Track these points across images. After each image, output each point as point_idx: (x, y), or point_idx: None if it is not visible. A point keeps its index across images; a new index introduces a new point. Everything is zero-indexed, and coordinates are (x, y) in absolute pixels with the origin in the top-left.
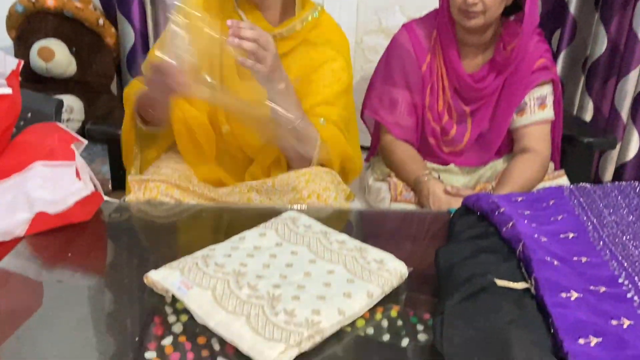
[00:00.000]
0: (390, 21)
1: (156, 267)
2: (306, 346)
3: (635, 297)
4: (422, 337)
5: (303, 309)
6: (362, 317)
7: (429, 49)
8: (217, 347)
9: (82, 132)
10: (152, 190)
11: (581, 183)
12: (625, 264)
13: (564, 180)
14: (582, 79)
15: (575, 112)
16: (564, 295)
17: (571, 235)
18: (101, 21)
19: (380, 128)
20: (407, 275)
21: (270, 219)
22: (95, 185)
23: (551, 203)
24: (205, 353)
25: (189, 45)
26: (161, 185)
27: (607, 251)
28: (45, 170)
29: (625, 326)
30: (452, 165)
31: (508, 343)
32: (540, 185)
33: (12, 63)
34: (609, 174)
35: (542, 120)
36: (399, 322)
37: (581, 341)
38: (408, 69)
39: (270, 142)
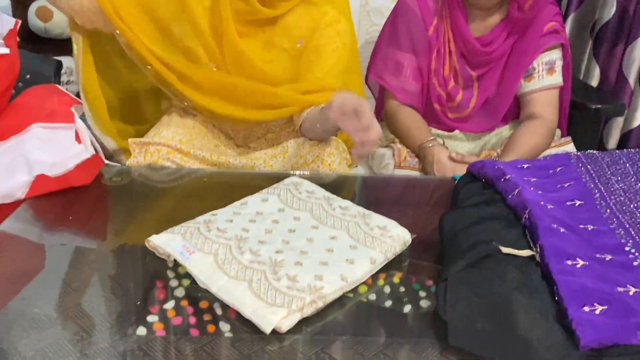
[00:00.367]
0: None
1: (157, 231)
2: (308, 311)
3: None
4: (424, 303)
5: (305, 274)
6: (364, 283)
7: (436, 12)
8: (219, 311)
9: None
10: (152, 154)
11: (588, 150)
12: (633, 232)
13: (570, 148)
14: (590, 44)
15: (581, 77)
16: (569, 262)
17: (578, 202)
18: None
19: (384, 93)
20: (410, 241)
21: (273, 184)
22: (95, 149)
23: (558, 170)
24: (207, 317)
25: None
26: (162, 149)
27: (614, 219)
28: (44, 132)
29: (631, 293)
30: (457, 132)
31: (512, 310)
32: (547, 153)
33: (10, 22)
34: (613, 142)
35: (550, 86)
36: (401, 289)
37: (586, 309)
38: (414, 32)
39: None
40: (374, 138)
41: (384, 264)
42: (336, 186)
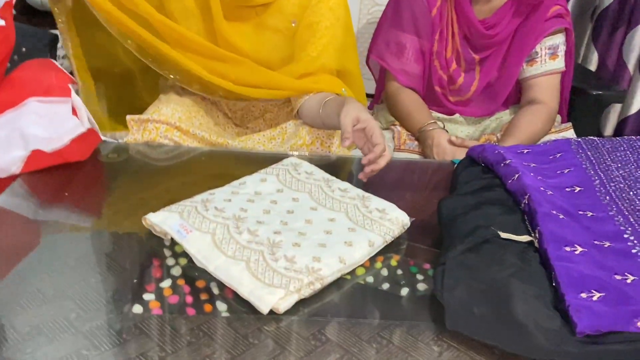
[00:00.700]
0: None
1: (154, 209)
2: (306, 293)
3: None
4: (421, 286)
5: (303, 256)
6: (362, 265)
7: None
8: (216, 291)
9: None
10: (151, 132)
11: (588, 136)
12: (632, 220)
13: (570, 134)
14: (589, 29)
15: (579, 62)
16: (568, 249)
17: (577, 189)
18: None
19: (385, 74)
20: (408, 225)
21: (272, 164)
22: (92, 125)
23: (558, 156)
24: (204, 296)
25: None
26: (161, 126)
27: (614, 206)
28: (40, 106)
29: (629, 281)
30: (457, 115)
31: (509, 295)
32: (547, 138)
33: None
34: (610, 128)
35: (552, 71)
36: (399, 272)
37: (583, 295)
38: (417, 13)
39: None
40: (382, 165)
41: (382, 246)
42: (335, 168)
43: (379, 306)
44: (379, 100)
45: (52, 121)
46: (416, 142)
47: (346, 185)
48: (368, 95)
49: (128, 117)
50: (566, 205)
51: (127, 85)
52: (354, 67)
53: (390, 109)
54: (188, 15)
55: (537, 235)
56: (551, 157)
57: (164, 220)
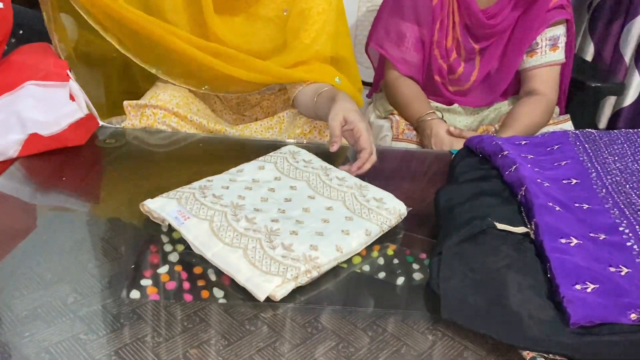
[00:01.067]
0: None
1: (152, 195)
2: (302, 281)
3: (635, 246)
4: (417, 276)
5: (301, 244)
6: (358, 254)
7: None
8: (213, 277)
9: None
10: (149, 117)
11: (585, 128)
12: (627, 213)
13: (568, 126)
14: (586, 20)
15: (575, 53)
16: (563, 241)
17: (574, 181)
18: None
19: (384, 63)
20: (405, 214)
21: (270, 152)
22: (90, 110)
23: (555, 148)
24: (201, 283)
25: None
26: (159, 112)
27: (610, 199)
28: (37, 90)
29: (623, 273)
30: (455, 106)
31: (504, 286)
32: (545, 130)
33: None
34: (604, 119)
35: (552, 62)
36: (395, 261)
37: (578, 287)
38: (418, 2)
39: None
40: (367, 168)
41: (378, 235)
42: (333, 156)
43: (374, 295)
44: (377, 89)
45: (49, 105)
46: (414, 132)
47: (344, 173)
48: (366, 84)
49: (125, 102)
50: (562, 198)
51: (123, 71)
52: (348, 53)
53: (389, 98)
54: (177, 10)
55: (533, 226)
56: (549, 149)
57: (161, 207)
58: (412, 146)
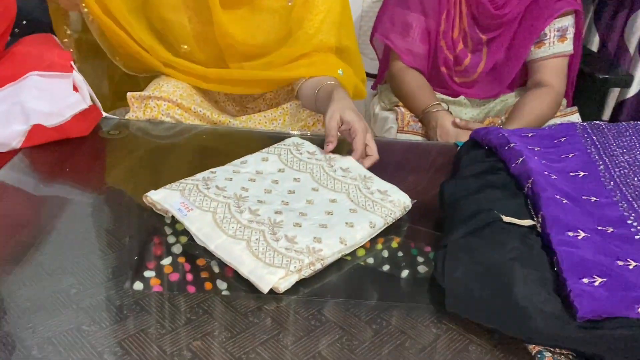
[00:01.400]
0: None
1: (155, 187)
2: (306, 273)
3: None
4: (421, 269)
5: (304, 236)
6: (362, 246)
7: None
8: (216, 269)
9: None
10: (152, 109)
11: (591, 120)
12: (635, 205)
13: (575, 118)
14: (591, 11)
15: None
16: (570, 234)
17: (582, 174)
18: None
19: (390, 54)
20: (410, 207)
21: (274, 143)
22: (94, 101)
23: (563, 140)
24: (204, 275)
25: None
26: (162, 103)
27: (618, 192)
28: (41, 80)
29: (631, 267)
30: (461, 98)
31: (510, 279)
32: (552, 122)
33: None
34: (608, 111)
35: (561, 54)
36: (400, 253)
37: (585, 280)
38: None
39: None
40: (367, 165)
41: (383, 228)
42: (337, 149)
43: (378, 287)
44: (382, 80)
45: (53, 96)
46: (419, 124)
47: (349, 163)
48: (371, 76)
49: (129, 94)
50: (570, 190)
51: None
52: (352, 43)
53: (394, 89)
54: (178, 8)
55: (539, 219)
56: (556, 141)
57: (164, 198)
58: (418, 138)
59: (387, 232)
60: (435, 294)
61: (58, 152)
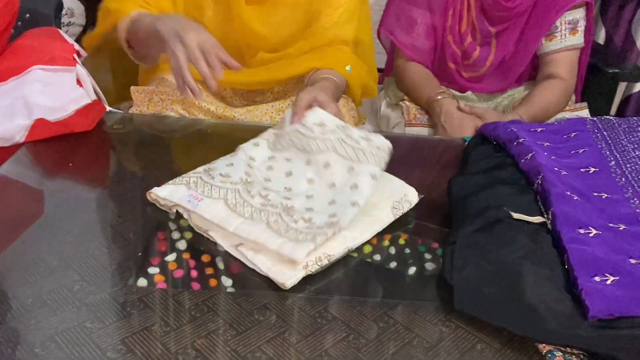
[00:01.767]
0: None
1: (160, 181)
2: (313, 269)
3: None
4: (429, 266)
5: (320, 216)
6: (369, 243)
7: None
8: (221, 266)
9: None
10: (156, 103)
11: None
12: None
13: (585, 113)
14: (598, 3)
15: None
16: (581, 231)
17: (592, 169)
18: None
19: (395, 49)
20: (416, 201)
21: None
22: (98, 95)
23: (572, 135)
24: (209, 271)
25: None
26: (166, 99)
27: (630, 188)
28: (44, 75)
29: None
30: (469, 93)
31: (520, 277)
32: (560, 116)
33: None
34: (614, 106)
35: (572, 47)
36: (407, 250)
37: (597, 279)
38: None
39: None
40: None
41: (382, 175)
42: None
43: (385, 285)
44: (389, 73)
45: (56, 90)
46: (426, 116)
47: (320, 117)
48: (379, 70)
49: (132, 88)
50: (581, 186)
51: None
52: (367, 37)
53: (398, 83)
54: (203, 5)
55: (550, 216)
56: (565, 136)
57: (171, 194)
58: (426, 130)
59: (394, 228)
60: (443, 291)
61: (62, 146)
